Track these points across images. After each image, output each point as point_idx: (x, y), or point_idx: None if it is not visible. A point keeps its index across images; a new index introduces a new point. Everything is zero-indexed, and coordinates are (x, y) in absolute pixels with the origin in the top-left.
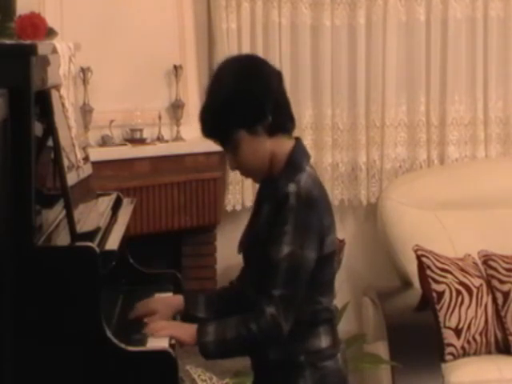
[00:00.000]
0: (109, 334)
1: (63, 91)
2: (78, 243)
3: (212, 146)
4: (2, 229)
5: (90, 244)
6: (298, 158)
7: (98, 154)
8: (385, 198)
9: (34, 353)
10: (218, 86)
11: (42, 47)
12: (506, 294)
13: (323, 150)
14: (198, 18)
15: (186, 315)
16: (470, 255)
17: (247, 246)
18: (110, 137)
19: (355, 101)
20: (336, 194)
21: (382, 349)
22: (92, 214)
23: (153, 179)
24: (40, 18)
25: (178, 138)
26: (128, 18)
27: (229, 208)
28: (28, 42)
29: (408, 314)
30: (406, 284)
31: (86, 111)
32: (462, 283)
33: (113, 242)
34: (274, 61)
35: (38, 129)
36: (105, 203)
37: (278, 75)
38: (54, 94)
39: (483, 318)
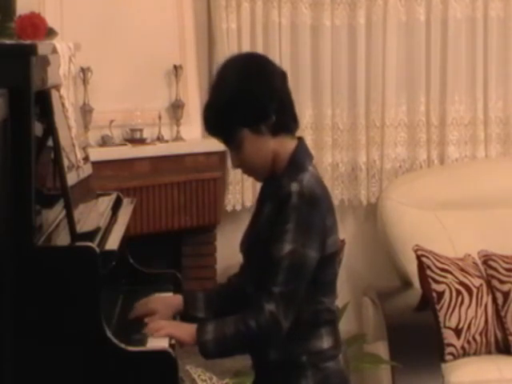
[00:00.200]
0: (109, 334)
1: (63, 91)
2: (78, 243)
3: (212, 146)
4: (2, 229)
5: (89, 244)
6: (300, 157)
7: (98, 153)
8: (385, 198)
9: (34, 353)
10: (222, 84)
11: (42, 47)
12: (506, 294)
13: (323, 150)
14: (198, 18)
15: (185, 315)
16: (469, 255)
17: (249, 244)
18: (110, 137)
19: (355, 101)
20: (336, 193)
21: (382, 349)
22: (92, 214)
23: (153, 179)
24: (40, 18)
25: (178, 138)
26: (128, 18)
27: (229, 208)
28: (28, 42)
29: (408, 314)
30: (406, 284)
31: (85, 111)
32: (461, 283)
33: (113, 242)
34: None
35: (38, 129)
36: (105, 203)
37: (282, 75)
38: (54, 94)
39: (483, 318)
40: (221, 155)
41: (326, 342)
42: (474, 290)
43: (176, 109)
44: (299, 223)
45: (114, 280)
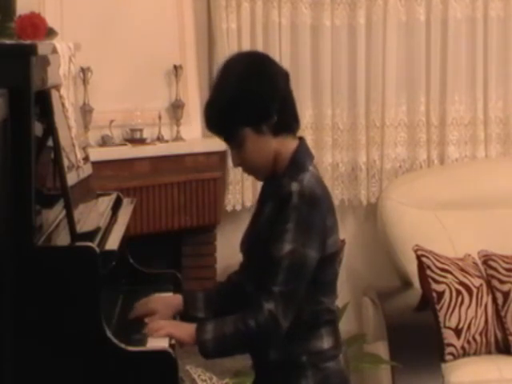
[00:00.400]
0: (109, 334)
1: (63, 91)
2: (78, 243)
3: (212, 146)
4: (2, 229)
5: (89, 244)
6: (301, 157)
7: (98, 153)
8: (385, 198)
9: (34, 353)
10: (225, 82)
11: (42, 47)
12: (506, 294)
13: (323, 150)
14: (198, 18)
15: (185, 315)
16: (469, 255)
17: (249, 244)
18: (110, 137)
19: (355, 101)
20: (336, 193)
21: (382, 349)
22: (92, 214)
23: (153, 179)
24: (40, 18)
25: (178, 138)
26: (128, 18)
27: (229, 208)
28: (28, 42)
29: (408, 314)
30: (406, 284)
31: (86, 111)
32: (461, 283)
33: (113, 242)
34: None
35: (38, 129)
36: (105, 203)
37: (285, 75)
38: (54, 94)
39: (483, 318)
40: (221, 155)
41: (326, 342)
42: (474, 290)
43: (176, 109)
44: (299, 223)
45: (114, 280)
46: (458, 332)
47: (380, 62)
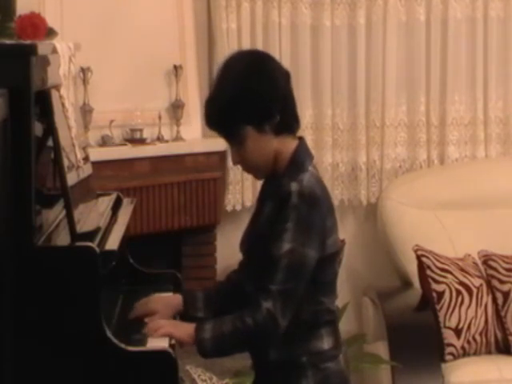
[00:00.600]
0: (109, 334)
1: (63, 91)
2: (78, 243)
3: (212, 146)
4: (2, 229)
5: (89, 244)
6: (301, 157)
7: (98, 153)
8: (385, 198)
9: (34, 353)
10: (225, 81)
11: (42, 47)
12: (506, 294)
13: (323, 150)
14: (198, 18)
15: (185, 315)
16: (470, 255)
17: (249, 243)
18: (110, 137)
19: (355, 101)
20: (336, 193)
21: (382, 349)
22: (92, 214)
23: (153, 179)
24: (40, 18)
25: (178, 138)
26: (128, 18)
27: (229, 208)
28: (28, 42)
29: (408, 314)
30: (406, 284)
31: (86, 111)
32: (461, 283)
33: (113, 242)
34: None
35: (38, 129)
36: (105, 203)
37: (285, 74)
38: (54, 94)
39: (483, 318)
40: (221, 155)
41: (326, 343)
42: (474, 290)
43: (176, 109)
44: (299, 222)
45: (114, 280)
46: (458, 332)
47: (380, 62)
